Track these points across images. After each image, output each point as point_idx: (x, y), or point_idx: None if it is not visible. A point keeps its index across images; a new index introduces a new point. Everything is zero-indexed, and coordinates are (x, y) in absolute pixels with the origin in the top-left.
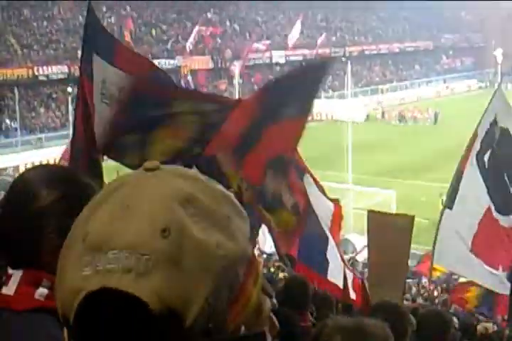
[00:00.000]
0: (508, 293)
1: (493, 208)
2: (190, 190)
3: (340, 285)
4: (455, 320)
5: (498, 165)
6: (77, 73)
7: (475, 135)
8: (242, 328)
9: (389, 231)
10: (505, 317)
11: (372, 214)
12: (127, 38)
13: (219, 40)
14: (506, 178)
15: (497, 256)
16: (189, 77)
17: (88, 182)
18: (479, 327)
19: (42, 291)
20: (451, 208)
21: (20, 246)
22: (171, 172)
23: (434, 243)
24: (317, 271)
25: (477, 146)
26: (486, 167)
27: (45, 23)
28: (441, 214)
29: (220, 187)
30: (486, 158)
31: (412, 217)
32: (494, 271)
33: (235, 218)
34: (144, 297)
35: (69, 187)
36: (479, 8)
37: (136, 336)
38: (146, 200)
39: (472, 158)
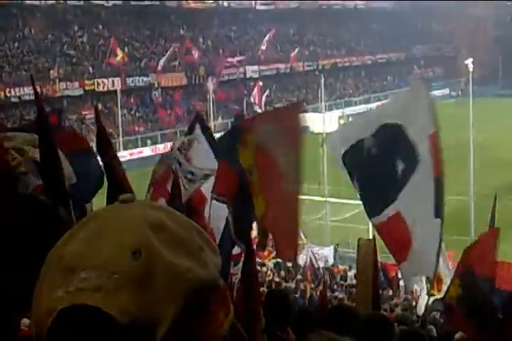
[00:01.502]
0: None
1: (376, 221)
2: (161, 218)
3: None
4: (433, 328)
5: (369, 182)
6: (49, 93)
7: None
8: None
9: (366, 253)
10: None
11: (360, 241)
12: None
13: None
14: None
15: (394, 256)
16: (155, 92)
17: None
18: (457, 336)
19: (25, 321)
20: None
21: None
22: (142, 204)
23: None
24: None
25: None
26: (359, 190)
27: (16, 44)
28: None
29: (191, 221)
30: (355, 183)
31: (372, 240)
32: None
33: (207, 250)
34: (113, 312)
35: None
36: (449, 19)
37: None
38: (118, 225)
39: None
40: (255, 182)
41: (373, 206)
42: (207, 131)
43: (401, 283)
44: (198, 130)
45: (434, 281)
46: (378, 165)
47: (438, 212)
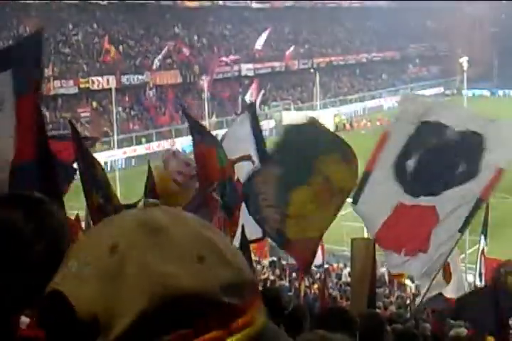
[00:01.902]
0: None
1: (406, 200)
2: (165, 223)
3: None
4: (427, 326)
5: (429, 165)
6: (44, 92)
7: (385, 137)
8: None
9: (364, 253)
10: None
11: (355, 241)
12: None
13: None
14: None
15: (400, 242)
16: (151, 92)
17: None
18: (451, 333)
19: (24, 320)
20: (355, 203)
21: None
22: (158, 208)
23: None
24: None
25: (394, 150)
26: (408, 171)
27: (10, 42)
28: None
29: (207, 232)
30: (410, 162)
31: (372, 240)
32: (395, 255)
33: (210, 261)
34: (75, 301)
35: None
36: (444, 17)
37: (64, 337)
38: (114, 224)
39: (383, 162)
40: (337, 199)
41: (412, 185)
42: (255, 120)
43: (395, 280)
44: (245, 117)
45: (446, 273)
46: (444, 156)
47: (463, 228)
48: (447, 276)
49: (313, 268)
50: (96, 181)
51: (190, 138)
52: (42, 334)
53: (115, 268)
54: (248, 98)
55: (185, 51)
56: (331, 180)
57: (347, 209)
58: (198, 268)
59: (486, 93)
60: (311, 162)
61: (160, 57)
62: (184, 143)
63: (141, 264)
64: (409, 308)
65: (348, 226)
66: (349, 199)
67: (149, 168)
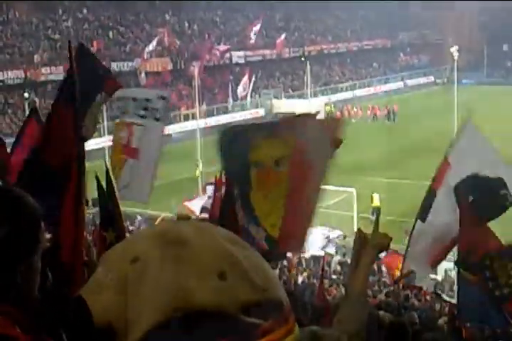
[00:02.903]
0: None
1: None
2: (188, 237)
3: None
4: (415, 314)
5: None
6: (33, 78)
7: (446, 164)
8: None
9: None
10: None
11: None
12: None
13: (178, 42)
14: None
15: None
16: (142, 75)
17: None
18: (440, 321)
19: None
20: (423, 220)
21: None
22: (187, 221)
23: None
24: None
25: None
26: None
27: (0, 27)
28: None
29: (235, 249)
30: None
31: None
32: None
33: (232, 278)
34: (95, 308)
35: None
36: (435, 6)
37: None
38: (140, 234)
39: (446, 186)
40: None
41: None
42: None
43: (383, 268)
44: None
45: None
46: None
47: None
48: None
49: (303, 256)
50: (113, 219)
51: (180, 125)
52: (14, 333)
53: (134, 278)
54: (240, 89)
55: (167, 41)
56: (267, 162)
57: (336, 199)
58: (219, 285)
59: (476, 82)
60: (246, 167)
61: (150, 47)
62: (175, 130)
63: (160, 276)
64: (399, 297)
65: (336, 215)
66: (338, 188)
67: (107, 169)
